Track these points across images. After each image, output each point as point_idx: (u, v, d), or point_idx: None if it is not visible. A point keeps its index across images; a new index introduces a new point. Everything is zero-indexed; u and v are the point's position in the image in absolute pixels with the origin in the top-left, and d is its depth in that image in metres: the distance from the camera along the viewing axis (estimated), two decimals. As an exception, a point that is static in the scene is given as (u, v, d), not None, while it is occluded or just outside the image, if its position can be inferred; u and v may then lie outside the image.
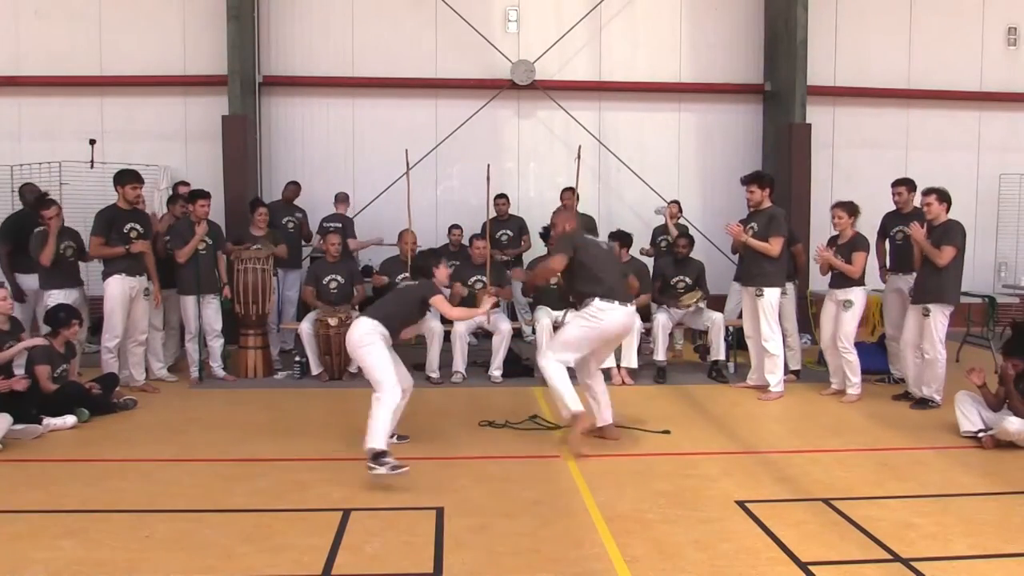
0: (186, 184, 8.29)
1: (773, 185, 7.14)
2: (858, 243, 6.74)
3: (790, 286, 7.38)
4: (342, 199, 9.35)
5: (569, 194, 9.07)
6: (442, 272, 5.30)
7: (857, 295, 6.71)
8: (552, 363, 5.26)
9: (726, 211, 10.02)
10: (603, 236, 8.43)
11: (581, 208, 9.09)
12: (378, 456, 4.49)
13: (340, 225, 8.93)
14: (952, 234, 6.24)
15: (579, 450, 5.09)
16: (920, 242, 6.28)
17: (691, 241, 8.17)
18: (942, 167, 10.20)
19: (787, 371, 7.25)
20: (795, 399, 6.82)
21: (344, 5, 10.24)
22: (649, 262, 8.77)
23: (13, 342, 5.84)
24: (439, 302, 5.15)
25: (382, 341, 4.90)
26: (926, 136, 10.88)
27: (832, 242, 6.89)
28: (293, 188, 9.25)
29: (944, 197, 6.38)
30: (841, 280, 6.75)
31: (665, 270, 7.97)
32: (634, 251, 8.18)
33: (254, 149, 9.92)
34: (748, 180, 7.01)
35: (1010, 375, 5.35)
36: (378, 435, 4.57)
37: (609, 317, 5.24)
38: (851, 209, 6.79)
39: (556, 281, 7.39)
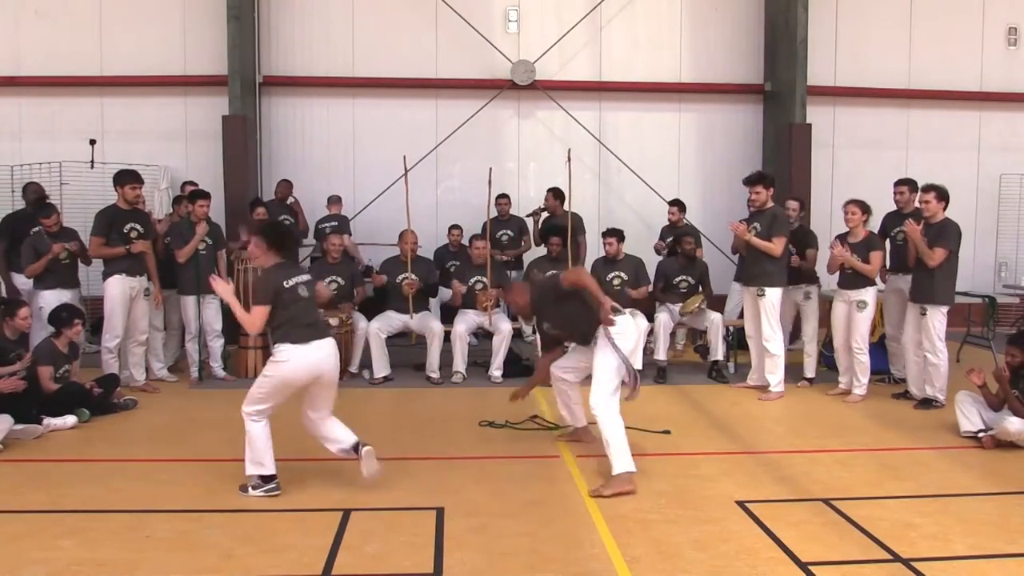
0: (193, 184, 8.28)
1: (774, 184, 7.17)
2: (874, 243, 6.73)
3: (813, 289, 7.31)
4: (335, 200, 9.37)
5: (551, 196, 9.05)
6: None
7: (871, 295, 6.70)
8: (614, 412, 4.64)
9: (726, 211, 10.01)
10: (598, 235, 8.44)
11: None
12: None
13: (337, 224, 8.94)
14: (946, 235, 6.25)
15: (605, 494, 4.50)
16: (916, 241, 6.29)
17: (696, 240, 8.16)
18: (942, 167, 10.17)
19: (802, 377, 7.29)
20: (795, 399, 6.82)
21: (344, 5, 10.24)
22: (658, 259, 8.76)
23: (22, 351, 5.84)
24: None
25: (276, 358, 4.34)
26: (926, 136, 10.87)
27: (843, 241, 6.85)
28: (285, 186, 9.25)
29: (943, 195, 6.37)
30: (854, 280, 6.71)
31: (668, 269, 7.97)
32: (637, 251, 8.16)
33: (254, 149, 9.92)
34: (754, 181, 6.99)
35: (1005, 376, 5.34)
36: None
37: (628, 331, 4.87)
38: (864, 207, 6.76)
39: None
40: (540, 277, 5.20)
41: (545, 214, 9.22)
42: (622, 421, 4.63)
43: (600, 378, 4.68)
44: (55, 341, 6.09)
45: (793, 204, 7.47)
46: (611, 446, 4.52)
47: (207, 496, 4.39)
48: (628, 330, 4.83)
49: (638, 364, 7.32)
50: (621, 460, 4.49)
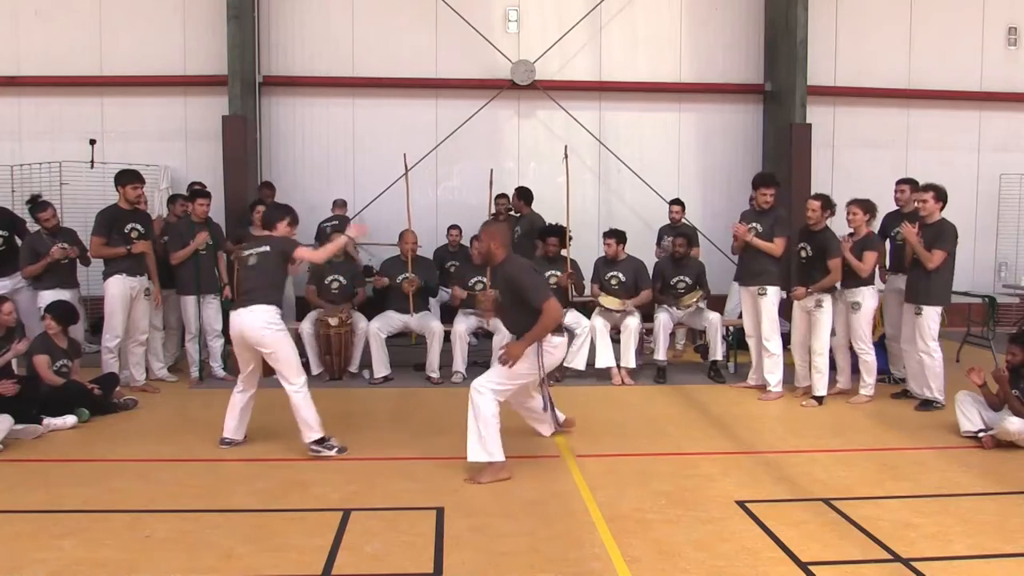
0: (201, 184, 8.25)
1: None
2: (870, 242, 6.69)
3: (826, 297, 6.61)
4: (339, 204, 9.38)
5: (515, 195, 8.89)
6: (282, 229, 5.26)
7: (866, 295, 6.66)
8: (489, 400, 4.63)
9: (726, 211, 10.03)
10: (598, 235, 8.41)
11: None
12: (323, 440, 5.09)
13: (338, 223, 8.93)
14: (944, 237, 6.23)
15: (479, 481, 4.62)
16: (912, 243, 6.28)
17: (688, 241, 8.12)
18: (942, 167, 10.18)
19: (811, 396, 6.70)
20: (796, 399, 6.81)
21: (344, 5, 10.25)
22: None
23: (8, 347, 5.84)
24: (302, 252, 5.20)
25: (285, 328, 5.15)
26: (926, 136, 10.88)
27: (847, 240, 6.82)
28: (268, 189, 9.18)
29: (941, 195, 6.35)
30: (849, 280, 6.67)
31: (665, 270, 7.96)
32: (636, 250, 8.15)
33: (254, 149, 9.93)
34: (768, 182, 6.96)
35: (1004, 376, 5.34)
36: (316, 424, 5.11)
37: (560, 352, 4.89)
38: (866, 207, 6.68)
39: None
40: (524, 265, 4.89)
41: (511, 214, 9.10)
42: (497, 413, 4.64)
43: (497, 371, 4.71)
44: (50, 334, 6.10)
45: (813, 204, 6.66)
46: (480, 434, 4.57)
47: (207, 496, 4.39)
48: (560, 351, 4.87)
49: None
50: (496, 448, 4.58)
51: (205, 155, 9.96)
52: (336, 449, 5.09)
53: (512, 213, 8.97)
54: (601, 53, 10.55)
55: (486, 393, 4.64)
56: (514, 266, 4.83)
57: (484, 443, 4.58)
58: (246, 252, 5.28)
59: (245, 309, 5.05)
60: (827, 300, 6.66)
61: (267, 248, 5.16)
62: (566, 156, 8.24)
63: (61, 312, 6.23)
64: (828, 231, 6.71)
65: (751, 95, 10.74)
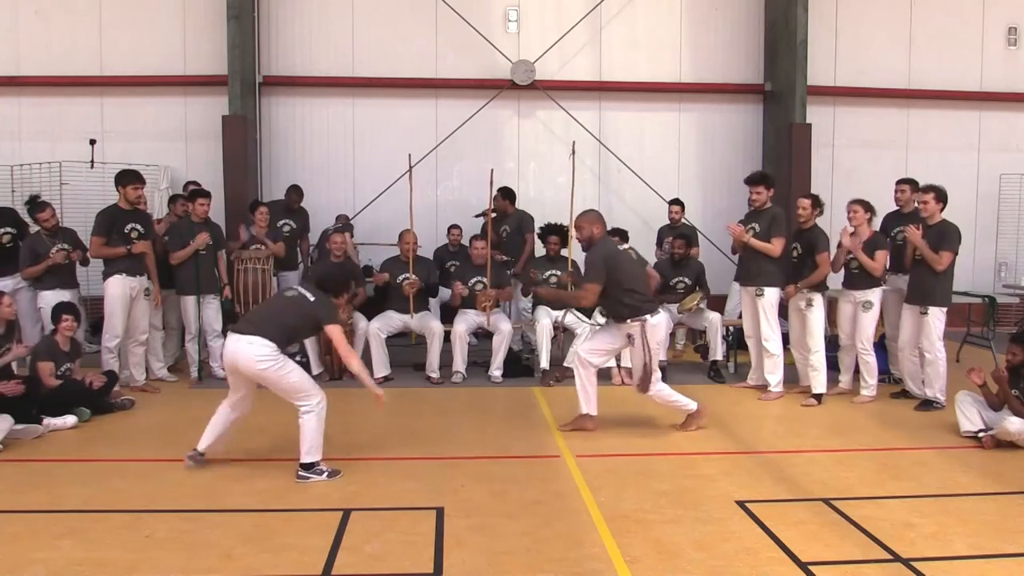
0: (196, 183, 8.26)
1: (775, 185, 7.15)
2: (879, 242, 6.70)
3: (817, 297, 6.73)
4: (342, 218, 9.36)
5: (500, 195, 8.76)
6: (340, 302, 5.05)
7: (877, 296, 6.68)
8: (660, 385, 5.65)
9: (726, 211, 10.02)
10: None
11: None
12: (312, 466, 4.67)
13: (341, 226, 8.93)
14: (949, 238, 6.25)
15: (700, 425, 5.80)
16: (919, 246, 6.27)
17: (687, 243, 8.11)
18: (942, 167, 10.20)
19: (810, 395, 6.72)
20: (796, 399, 6.81)
21: (344, 5, 10.24)
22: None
23: (10, 345, 5.85)
24: (335, 332, 4.82)
25: (285, 356, 4.74)
26: (926, 136, 10.88)
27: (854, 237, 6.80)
28: (296, 195, 9.16)
29: (941, 196, 6.37)
30: (860, 281, 6.67)
31: (664, 271, 7.96)
32: (641, 252, 8.15)
33: (254, 149, 9.93)
34: (756, 181, 6.95)
35: (1004, 377, 5.33)
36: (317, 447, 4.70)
37: (661, 329, 5.67)
38: (867, 206, 6.70)
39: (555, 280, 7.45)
40: (601, 251, 5.54)
41: (494, 215, 9.06)
42: (665, 384, 5.71)
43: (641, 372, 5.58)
44: (55, 338, 6.10)
45: (804, 202, 6.80)
46: (675, 403, 5.74)
47: (207, 496, 4.39)
48: (661, 327, 5.64)
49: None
50: (687, 402, 5.75)
51: (205, 155, 9.95)
52: (327, 474, 4.67)
53: (494, 214, 8.90)
54: (601, 53, 10.55)
55: (656, 382, 5.56)
56: (596, 248, 5.57)
57: (680, 405, 5.73)
58: (292, 287, 5.12)
59: (244, 337, 4.61)
60: (818, 299, 6.74)
61: (313, 299, 4.82)
62: (573, 152, 8.25)
63: (70, 309, 6.27)
64: (817, 228, 6.80)
65: (751, 95, 10.74)
